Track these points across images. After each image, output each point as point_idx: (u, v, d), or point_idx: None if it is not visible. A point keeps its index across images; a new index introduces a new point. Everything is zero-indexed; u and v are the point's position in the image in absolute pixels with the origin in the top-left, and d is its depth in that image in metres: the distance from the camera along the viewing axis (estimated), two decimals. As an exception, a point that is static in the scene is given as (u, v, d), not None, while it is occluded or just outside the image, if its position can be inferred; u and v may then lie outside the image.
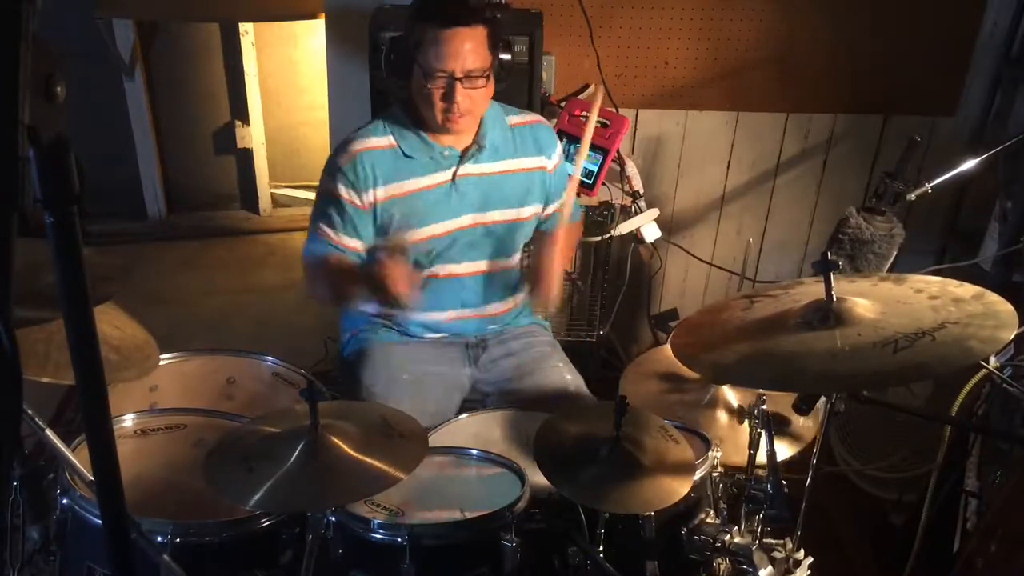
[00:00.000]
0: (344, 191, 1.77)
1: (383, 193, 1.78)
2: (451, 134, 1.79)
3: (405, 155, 1.78)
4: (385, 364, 1.89)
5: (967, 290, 1.37)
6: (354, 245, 1.81)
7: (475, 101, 1.71)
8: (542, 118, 1.98)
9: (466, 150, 1.81)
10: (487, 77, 1.69)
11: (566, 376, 1.93)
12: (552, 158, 1.93)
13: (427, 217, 1.81)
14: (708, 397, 1.83)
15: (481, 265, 1.91)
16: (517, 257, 1.97)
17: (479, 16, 1.66)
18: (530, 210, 1.91)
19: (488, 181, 1.84)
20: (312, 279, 1.87)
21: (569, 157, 2.18)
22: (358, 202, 1.77)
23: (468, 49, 1.64)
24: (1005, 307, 1.29)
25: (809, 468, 1.52)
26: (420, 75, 1.68)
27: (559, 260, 1.79)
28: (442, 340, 1.96)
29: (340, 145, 1.82)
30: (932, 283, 1.43)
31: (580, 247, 2.54)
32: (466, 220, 1.84)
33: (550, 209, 1.97)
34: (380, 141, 1.79)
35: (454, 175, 1.80)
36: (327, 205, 1.80)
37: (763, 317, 1.46)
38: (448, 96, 1.67)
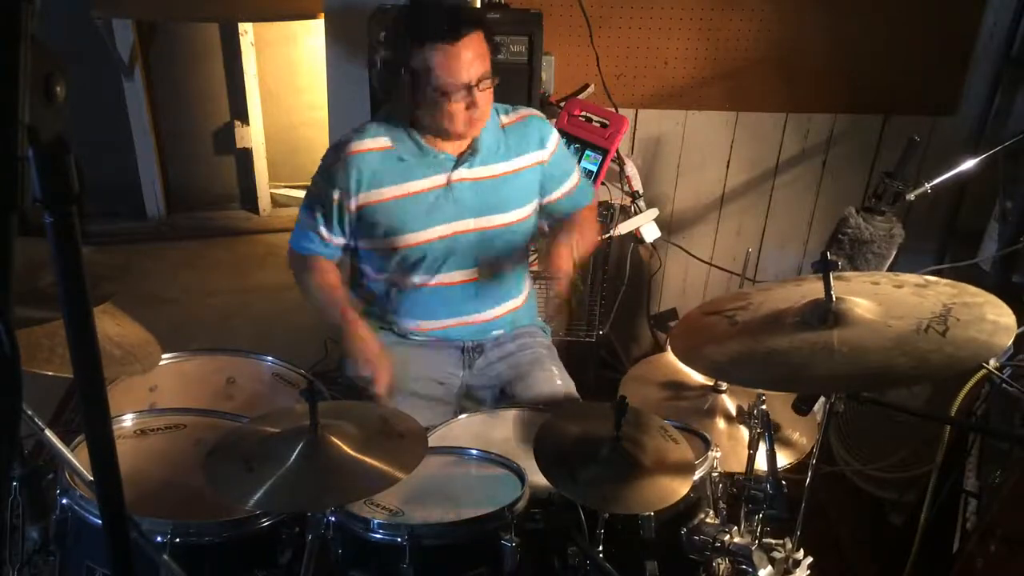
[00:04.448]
0: (334, 192, 1.79)
1: (372, 196, 1.79)
2: (460, 139, 1.79)
3: (399, 158, 1.78)
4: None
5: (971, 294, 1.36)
6: (338, 241, 1.87)
7: (489, 103, 1.74)
8: (533, 110, 1.95)
9: (461, 155, 1.80)
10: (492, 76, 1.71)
11: (556, 382, 1.93)
12: (547, 146, 1.89)
13: (419, 221, 1.80)
14: (707, 405, 1.83)
15: (477, 272, 1.89)
16: (514, 262, 1.94)
17: (475, 21, 1.67)
18: (527, 210, 1.90)
19: (483, 186, 1.83)
20: (299, 277, 1.92)
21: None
22: (346, 204, 1.80)
23: (475, 56, 1.66)
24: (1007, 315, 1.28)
25: (808, 468, 1.52)
26: (435, 94, 1.67)
27: (574, 239, 1.78)
28: (438, 343, 1.96)
29: (335, 146, 1.82)
30: (933, 282, 1.42)
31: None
32: (462, 226, 1.83)
33: (556, 194, 1.95)
34: (374, 143, 1.79)
35: (449, 180, 1.80)
36: (317, 202, 1.83)
37: (762, 316, 1.45)
38: (471, 106, 1.69)
